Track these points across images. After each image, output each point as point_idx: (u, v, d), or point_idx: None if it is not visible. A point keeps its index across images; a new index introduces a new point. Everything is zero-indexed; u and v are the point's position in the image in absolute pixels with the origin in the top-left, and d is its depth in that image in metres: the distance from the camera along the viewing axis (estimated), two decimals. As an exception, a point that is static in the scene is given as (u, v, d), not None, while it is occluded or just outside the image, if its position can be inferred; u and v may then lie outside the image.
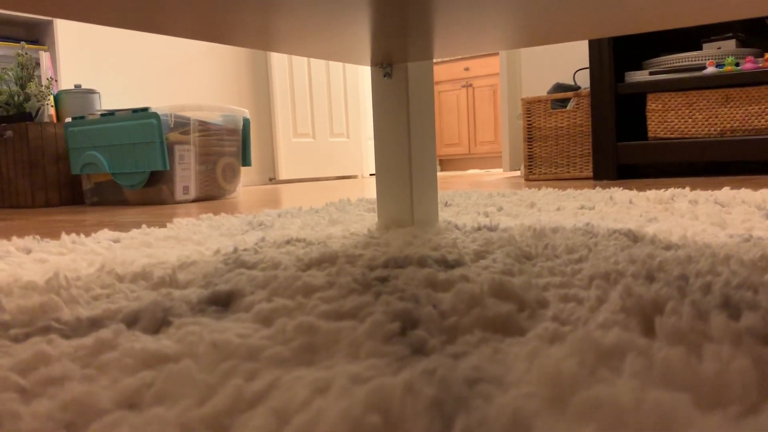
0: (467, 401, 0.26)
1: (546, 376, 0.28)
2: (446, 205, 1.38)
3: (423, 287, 0.49)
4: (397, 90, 1.01)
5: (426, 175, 1.03)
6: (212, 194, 2.66)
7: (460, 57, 5.58)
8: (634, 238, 0.70)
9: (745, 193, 1.21)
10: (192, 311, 0.50)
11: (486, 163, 5.71)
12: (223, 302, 0.51)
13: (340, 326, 0.38)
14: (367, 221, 1.12)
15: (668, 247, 0.63)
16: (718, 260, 0.52)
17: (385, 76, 1.02)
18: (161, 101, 3.52)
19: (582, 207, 1.14)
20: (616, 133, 2.42)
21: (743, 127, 2.18)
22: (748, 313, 0.35)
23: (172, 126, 2.47)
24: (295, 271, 0.59)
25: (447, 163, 5.89)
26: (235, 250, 0.77)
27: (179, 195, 2.49)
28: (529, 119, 2.88)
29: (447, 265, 0.61)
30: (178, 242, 0.93)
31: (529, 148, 2.88)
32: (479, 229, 0.89)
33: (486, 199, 1.44)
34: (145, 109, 2.44)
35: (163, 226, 1.27)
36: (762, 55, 2.26)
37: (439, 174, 4.88)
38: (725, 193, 1.23)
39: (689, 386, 0.27)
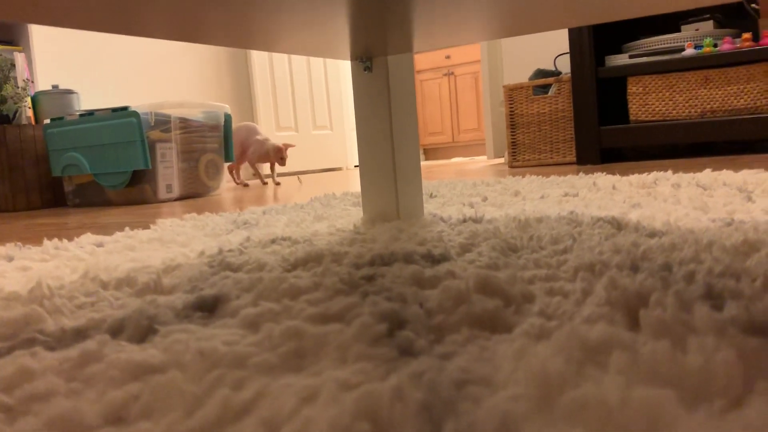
0: (455, 405, 0.26)
1: (533, 375, 0.28)
2: (431, 196, 1.38)
3: (409, 285, 0.49)
4: (377, 84, 1.00)
5: (410, 168, 1.03)
6: (196, 192, 2.64)
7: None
8: (618, 225, 0.70)
9: (726, 175, 1.22)
10: (178, 318, 0.49)
11: (470, 151, 5.72)
12: (208, 308, 0.51)
13: (327, 330, 0.38)
14: (352, 216, 1.11)
15: (652, 234, 0.63)
16: (701, 247, 0.53)
17: (365, 70, 1.01)
18: (141, 99, 3.48)
19: (566, 194, 1.14)
20: (599, 117, 2.43)
21: (723, 108, 2.19)
22: (732, 302, 0.35)
23: (152, 124, 2.44)
24: (280, 273, 0.58)
25: (431, 152, 5.89)
26: (220, 251, 0.77)
27: (162, 194, 2.47)
28: (511, 106, 2.88)
29: (433, 260, 0.61)
30: (163, 244, 0.92)
31: (512, 135, 2.88)
32: (465, 221, 0.89)
33: (470, 189, 1.44)
34: (125, 108, 2.42)
35: (147, 227, 1.26)
36: (740, 36, 2.28)
37: (423, 163, 4.88)
38: (707, 175, 1.24)
39: (675, 381, 0.27)
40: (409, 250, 0.65)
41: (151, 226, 1.17)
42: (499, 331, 0.38)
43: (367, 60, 1.01)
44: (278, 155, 2.90)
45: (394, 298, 0.45)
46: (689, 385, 0.26)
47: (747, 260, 0.47)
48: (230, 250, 0.77)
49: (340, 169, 4.77)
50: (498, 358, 0.32)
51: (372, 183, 1.02)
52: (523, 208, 1.01)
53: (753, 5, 2.27)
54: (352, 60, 1.03)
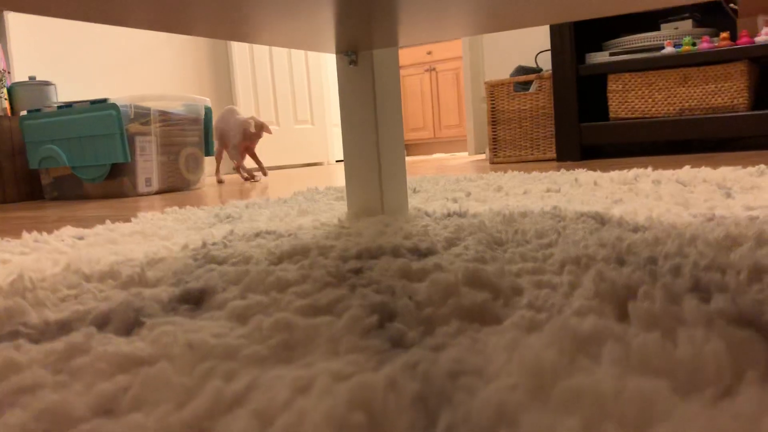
0: (450, 395, 0.27)
1: (527, 366, 0.28)
2: (415, 191, 1.38)
3: (398, 278, 0.49)
4: (363, 77, 1.00)
5: (395, 162, 1.03)
6: (176, 186, 2.61)
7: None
8: (601, 220, 0.71)
9: (705, 172, 1.24)
10: (164, 311, 0.49)
11: (451, 147, 5.73)
12: (195, 300, 0.50)
13: (317, 322, 0.38)
14: (336, 210, 1.11)
15: (635, 229, 0.64)
16: (685, 241, 0.53)
17: (350, 64, 1.01)
18: (120, 92, 3.43)
19: (548, 190, 1.15)
20: (579, 114, 2.45)
21: (701, 106, 2.22)
22: (718, 295, 0.36)
23: (132, 117, 2.41)
24: (267, 266, 0.58)
25: (412, 148, 5.89)
26: (204, 244, 0.76)
27: (142, 187, 2.45)
28: (492, 102, 2.89)
29: (420, 254, 0.61)
30: (145, 238, 0.91)
31: (494, 132, 2.90)
32: (449, 215, 0.89)
33: (454, 185, 1.45)
34: (104, 101, 2.38)
35: (128, 220, 1.24)
36: (717, 35, 2.31)
37: (405, 159, 4.88)
38: (686, 172, 1.26)
39: (666, 371, 0.27)
40: (396, 243, 0.65)
41: (132, 219, 1.16)
42: (489, 323, 0.38)
43: (353, 53, 1.00)
44: (262, 129, 2.73)
45: (383, 290, 0.45)
46: (681, 375, 0.27)
47: (731, 254, 0.47)
48: (214, 244, 0.76)
49: (321, 164, 4.76)
50: (490, 349, 0.32)
51: (356, 177, 1.02)
52: (506, 203, 1.02)
53: (731, 5, 2.30)
54: (337, 53, 1.03)
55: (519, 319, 0.36)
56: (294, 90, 4.51)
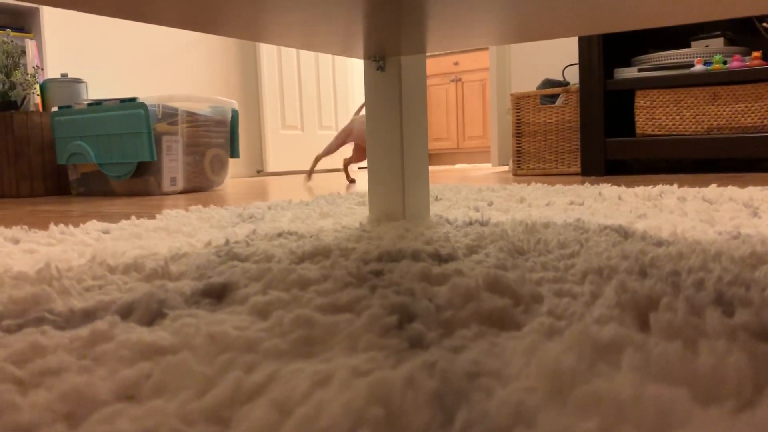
0: (468, 394, 0.27)
1: (545, 370, 0.28)
2: (437, 199, 1.38)
3: (418, 281, 0.50)
4: (390, 83, 1.01)
5: (418, 168, 1.03)
6: (200, 186, 2.64)
7: (449, 51, 5.57)
8: (624, 234, 0.70)
9: (732, 191, 1.22)
10: (186, 303, 0.49)
11: (474, 158, 5.72)
12: (217, 294, 0.51)
13: (337, 319, 0.39)
14: (358, 215, 1.12)
15: (659, 243, 0.64)
16: (709, 257, 0.53)
17: (378, 69, 1.01)
18: (149, 91, 3.49)
19: (571, 203, 1.15)
20: (605, 129, 2.43)
21: (730, 125, 2.20)
22: (742, 309, 0.36)
23: (159, 116, 2.45)
24: (288, 264, 0.59)
25: (435, 158, 5.89)
26: (227, 242, 0.77)
27: (166, 186, 2.48)
28: (518, 114, 2.88)
29: (440, 259, 0.61)
30: (169, 234, 0.92)
31: (518, 144, 2.89)
32: (471, 223, 0.89)
33: (476, 194, 1.45)
34: (133, 99, 2.42)
35: (152, 217, 1.26)
36: (749, 54, 2.28)
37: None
38: (713, 190, 1.25)
39: (686, 381, 0.27)
40: (417, 248, 0.65)
41: (157, 216, 1.17)
42: (508, 328, 0.38)
43: (381, 59, 1.01)
44: None
45: (403, 292, 0.46)
46: (701, 385, 0.27)
47: (755, 271, 0.47)
48: (237, 242, 0.77)
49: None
50: (508, 353, 0.32)
51: (379, 182, 1.03)
52: (529, 213, 1.02)
53: (764, 24, 2.28)
54: (365, 59, 1.04)
55: (538, 325, 0.36)
56: (320, 95, 4.54)
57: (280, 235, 0.82)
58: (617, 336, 0.32)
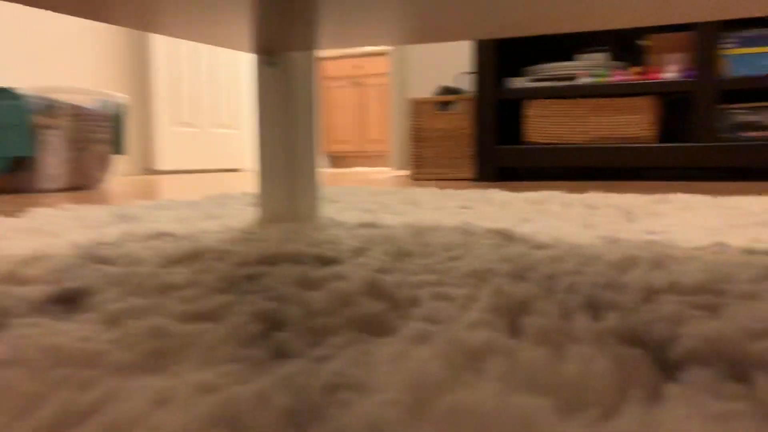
0: (323, 410, 0.24)
1: (410, 380, 0.26)
2: (332, 201, 1.36)
3: (294, 286, 0.47)
4: (280, 79, 0.97)
5: (309, 169, 1.00)
6: (82, 183, 2.48)
7: (351, 55, 5.59)
8: (508, 237, 0.71)
9: (612, 198, 1.28)
10: (33, 311, 0.44)
11: (376, 161, 5.76)
12: (69, 301, 0.46)
13: (196, 329, 0.35)
14: (247, 216, 1.07)
15: (540, 246, 0.65)
16: (585, 260, 0.54)
17: (268, 65, 0.98)
18: (28, 82, 3.24)
19: (461, 206, 1.16)
20: (497, 136, 2.51)
21: (612, 136, 2.32)
22: (610, 313, 0.36)
23: (39, 109, 2.27)
24: (156, 268, 0.54)
25: (337, 160, 5.88)
26: (94, 243, 0.71)
27: (45, 183, 2.30)
28: (416, 120, 2.92)
29: (323, 262, 0.58)
30: (33, 234, 0.84)
31: (416, 149, 2.92)
32: (361, 226, 0.88)
33: (372, 197, 1.44)
34: (8, 90, 2.23)
35: (19, 215, 1.15)
36: (628, 69, 2.42)
37: (328, 171, 4.85)
38: (594, 196, 1.30)
39: (552, 389, 0.26)
40: (300, 251, 0.62)
41: (24, 215, 1.08)
42: (382, 334, 0.36)
43: (271, 54, 0.98)
44: None
45: (274, 298, 0.43)
46: (566, 393, 0.26)
47: (626, 274, 0.48)
48: (106, 243, 0.71)
49: (242, 170, 4.65)
50: (376, 362, 0.30)
51: (269, 182, 0.99)
52: (420, 217, 1.01)
53: (644, 42, 2.43)
54: (255, 53, 1.00)
55: (411, 330, 0.35)
56: (218, 92, 4.40)
57: (155, 236, 0.77)
58: (488, 342, 0.31)
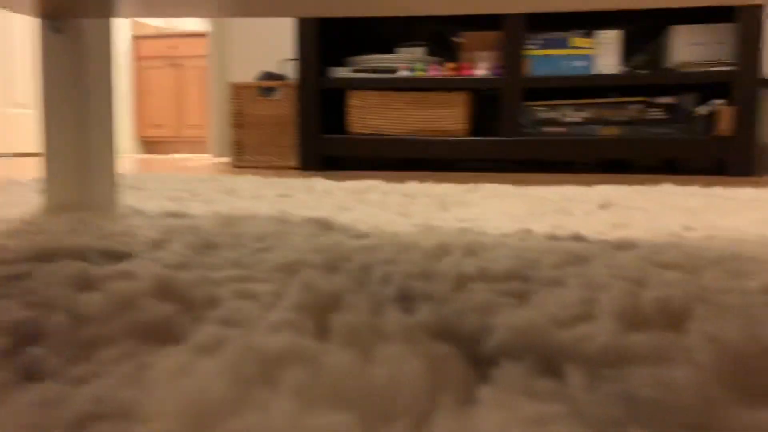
0: (65, 454, 0.19)
1: (186, 402, 0.21)
2: (135, 188, 1.24)
3: (66, 287, 0.39)
4: (70, 49, 0.85)
5: (105, 152, 0.89)
6: None
7: (166, 34, 5.26)
8: (326, 226, 0.68)
9: (429, 187, 1.31)
10: None
11: (195, 148, 5.48)
12: None
13: None
14: (32, 205, 0.93)
15: (357, 236, 0.62)
16: (401, 249, 0.52)
17: (54, 31, 0.85)
18: None
19: (280, 195, 1.11)
20: (322, 125, 2.49)
21: (430, 128, 2.41)
22: (423, 305, 0.33)
23: None
24: None
25: (151, 146, 5.51)
26: None
27: None
28: (237, 105, 2.81)
29: (111, 257, 0.51)
30: None
31: (237, 135, 2.81)
32: (165, 215, 0.80)
33: (183, 184, 1.34)
34: None
35: None
36: (444, 65, 2.53)
37: (141, 157, 4.53)
38: (413, 186, 1.32)
39: (358, 399, 0.23)
40: (85, 244, 0.54)
41: None
42: (167, 343, 0.31)
43: (59, 20, 0.85)
44: None
45: (37, 303, 0.35)
46: (373, 403, 0.23)
47: (440, 263, 0.47)
48: None
49: (40, 154, 4.17)
50: (152, 379, 0.25)
51: (57, 166, 0.87)
52: (234, 205, 0.95)
53: (458, 39, 2.54)
54: (40, 17, 0.86)
55: (203, 336, 0.30)
56: (11, 67, 3.90)
57: None
58: (289, 347, 0.27)
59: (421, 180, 1.74)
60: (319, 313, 0.32)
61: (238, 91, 2.81)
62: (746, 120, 2.01)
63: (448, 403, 0.23)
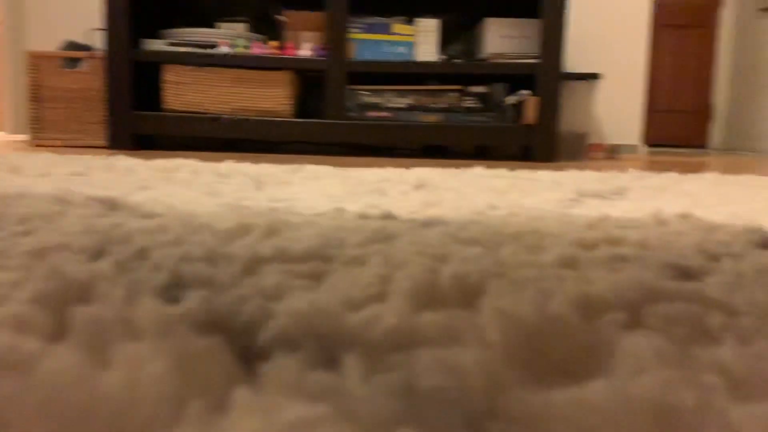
0: None
1: None
2: None
3: None
4: None
5: None
6: None
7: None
8: (112, 206, 0.60)
9: (246, 167, 1.24)
10: None
11: (-14, 125, 4.83)
12: None
13: None
14: None
15: (147, 215, 0.55)
16: (192, 230, 0.46)
17: None
18: None
19: (73, 173, 0.99)
20: (133, 101, 2.29)
21: (252, 108, 2.32)
22: (197, 292, 0.29)
23: None
24: None
25: (-70, 121, 4.76)
26: None
27: None
28: (36, 77, 2.50)
29: None
30: None
31: (36, 110, 2.51)
32: None
33: (-47, 162, 1.14)
34: None
35: None
36: (267, 43, 2.45)
37: None
38: (228, 165, 1.25)
39: (75, 416, 0.18)
40: None
41: None
42: None
43: None
44: None
45: None
46: (95, 419, 0.18)
47: (234, 244, 0.42)
48: None
49: None
50: None
51: None
52: (10, 183, 0.82)
53: (281, 17, 2.47)
54: None
55: None
56: None
57: None
58: (1, 351, 0.21)
59: (240, 160, 1.67)
60: (62, 306, 0.26)
61: (37, 61, 2.51)
62: (548, 110, 2.17)
63: (196, 410, 0.18)
